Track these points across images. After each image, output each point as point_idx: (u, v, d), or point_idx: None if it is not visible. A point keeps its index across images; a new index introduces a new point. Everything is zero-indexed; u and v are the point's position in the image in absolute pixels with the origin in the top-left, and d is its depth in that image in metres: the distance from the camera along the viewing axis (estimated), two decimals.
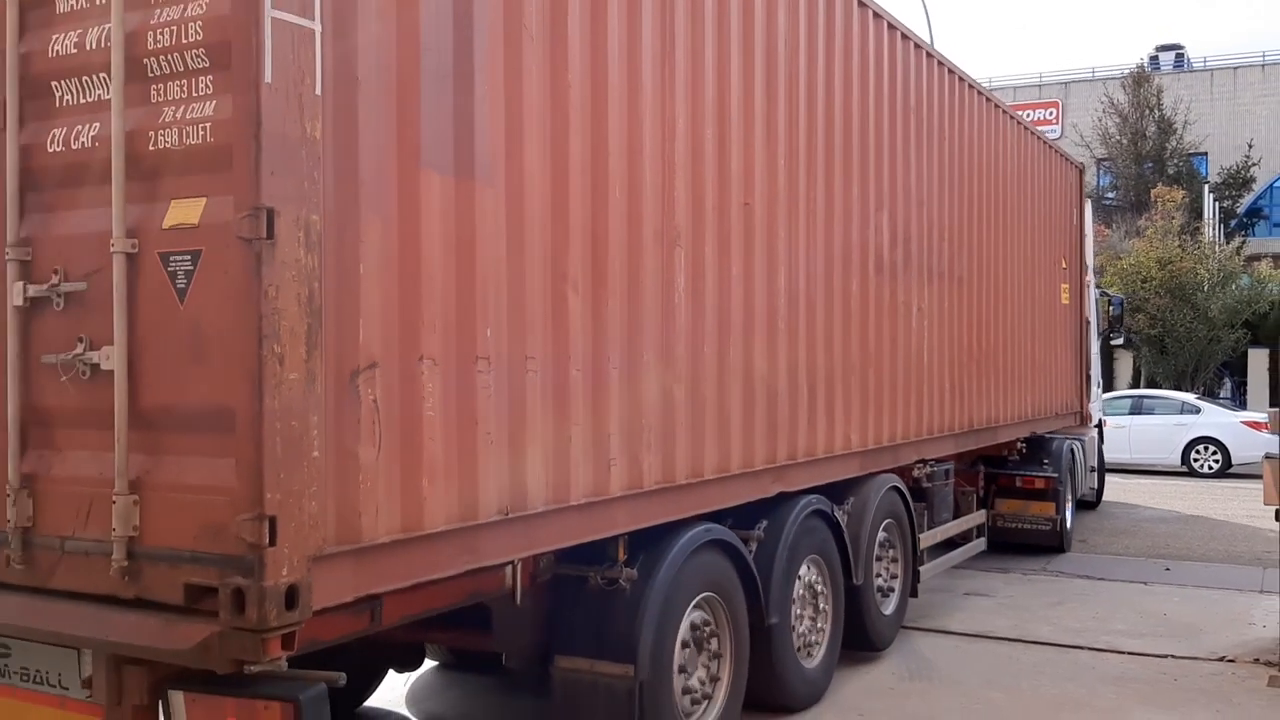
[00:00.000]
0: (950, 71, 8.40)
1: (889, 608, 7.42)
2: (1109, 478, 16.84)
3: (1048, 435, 11.29)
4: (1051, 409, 11.26)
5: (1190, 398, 21.77)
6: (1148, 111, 36.65)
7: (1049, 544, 11.15)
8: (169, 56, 3.10)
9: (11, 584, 3.37)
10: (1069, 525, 11.44)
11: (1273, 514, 7.21)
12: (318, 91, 3.04)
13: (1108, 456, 18.23)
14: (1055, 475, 11.11)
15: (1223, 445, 19.66)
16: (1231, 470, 19.40)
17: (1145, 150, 36.45)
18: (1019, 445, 10.77)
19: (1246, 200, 38.58)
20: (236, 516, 2.91)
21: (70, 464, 3.31)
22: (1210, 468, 19.72)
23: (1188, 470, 19.81)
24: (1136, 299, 27.11)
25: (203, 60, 3.05)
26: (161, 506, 3.10)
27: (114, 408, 3.13)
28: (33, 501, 3.34)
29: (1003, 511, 11.00)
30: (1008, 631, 8.10)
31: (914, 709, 6.33)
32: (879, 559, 7.26)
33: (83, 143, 3.26)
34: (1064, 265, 11.86)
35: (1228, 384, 29.95)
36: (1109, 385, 26.98)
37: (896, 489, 7.51)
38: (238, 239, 2.92)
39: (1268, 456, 7.30)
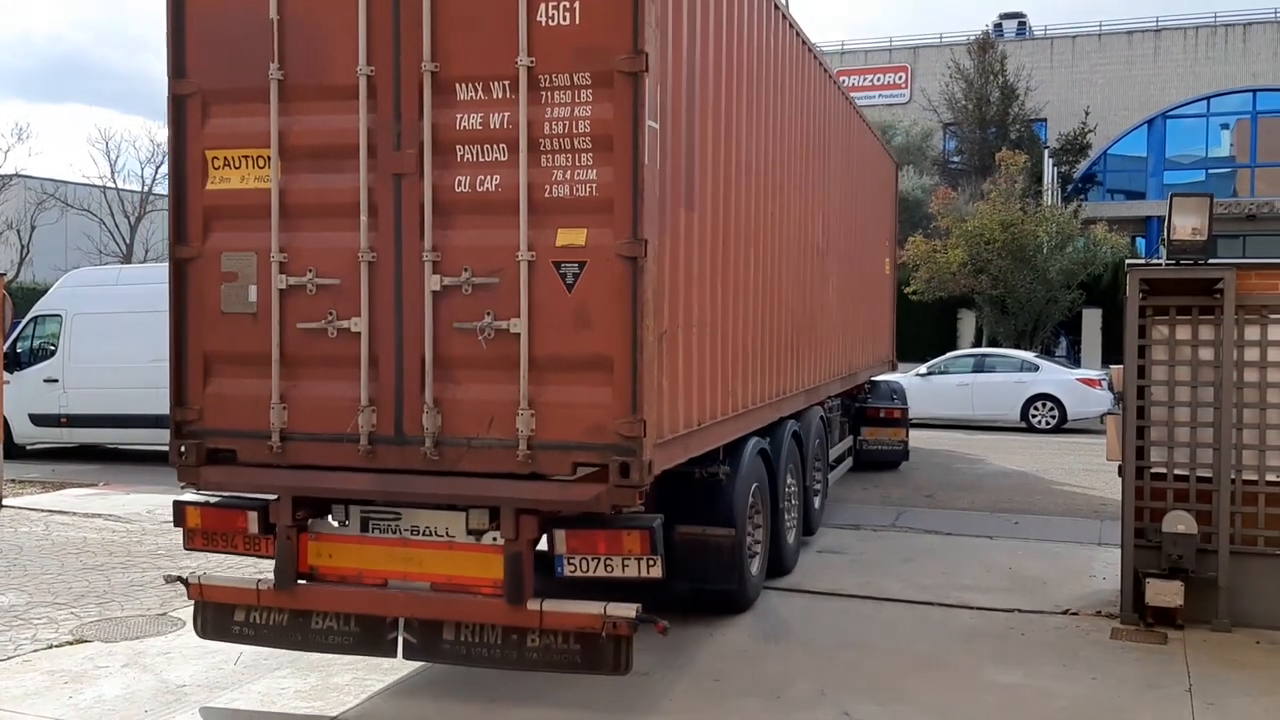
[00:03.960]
0: (845, 96, 12.05)
1: (818, 505, 10.87)
2: (951, 432, 21.33)
3: (878, 379, 15.76)
4: (879, 359, 15.63)
5: (1029, 356, 24.14)
6: (992, 78, 41.17)
7: (900, 460, 15.78)
8: (559, 139, 5.55)
9: (423, 470, 5.77)
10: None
11: (1115, 469, 8.01)
12: (658, 166, 5.58)
13: (953, 412, 22.79)
14: (905, 407, 15.71)
15: (1060, 402, 22.29)
16: (1067, 425, 22.10)
17: (989, 115, 40.93)
18: (866, 386, 15.14)
19: (1083, 166, 43.42)
20: (615, 420, 5.45)
21: (472, 392, 5.72)
22: (1048, 423, 22.32)
23: (1027, 426, 22.34)
24: (980, 260, 30.81)
25: (587, 144, 5.52)
26: (550, 417, 5.61)
27: (516, 356, 5.59)
28: (441, 416, 5.74)
29: (868, 437, 15.32)
30: (860, 589, 8.72)
31: (771, 671, 6.73)
32: (814, 469, 10.55)
33: (487, 188, 5.66)
34: (887, 242, 16.36)
35: (1064, 343, 33.57)
36: (952, 344, 30.97)
37: (823, 417, 11.17)
38: (618, 256, 5.43)
39: (1110, 414, 8.98)
